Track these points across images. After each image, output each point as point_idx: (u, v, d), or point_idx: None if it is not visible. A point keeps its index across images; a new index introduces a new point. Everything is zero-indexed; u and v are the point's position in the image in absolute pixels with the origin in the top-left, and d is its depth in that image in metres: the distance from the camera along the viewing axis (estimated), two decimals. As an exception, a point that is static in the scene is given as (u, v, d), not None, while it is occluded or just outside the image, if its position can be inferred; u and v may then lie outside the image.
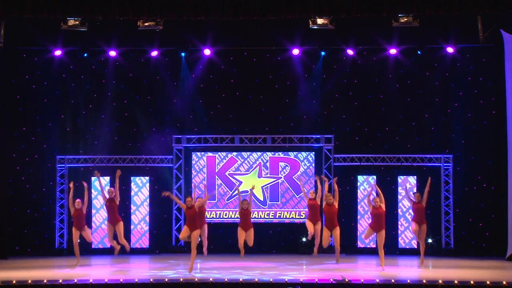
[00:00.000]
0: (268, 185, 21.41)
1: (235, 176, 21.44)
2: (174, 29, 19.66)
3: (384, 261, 15.90)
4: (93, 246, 20.81)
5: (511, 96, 19.27)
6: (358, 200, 21.13)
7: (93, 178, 21.15)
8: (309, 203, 16.81)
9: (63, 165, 21.18)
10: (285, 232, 21.40)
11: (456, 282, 13.19)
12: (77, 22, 18.28)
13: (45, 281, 13.33)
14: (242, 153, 21.50)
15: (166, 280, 13.40)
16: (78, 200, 17.53)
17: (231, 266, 16.84)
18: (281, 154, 21.49)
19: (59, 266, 17.11)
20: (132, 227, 21.11)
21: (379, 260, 16.14)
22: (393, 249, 20.93)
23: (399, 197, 21.01)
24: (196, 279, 13.59)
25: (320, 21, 18.15)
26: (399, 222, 20.99)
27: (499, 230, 20.27)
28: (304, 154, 21.43)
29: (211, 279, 13.51)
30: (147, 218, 21.21)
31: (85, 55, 20.97)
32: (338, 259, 16.68)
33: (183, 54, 21.11)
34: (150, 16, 17.89)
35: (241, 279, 13.58)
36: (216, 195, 21.37)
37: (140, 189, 21.30)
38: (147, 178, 21.35)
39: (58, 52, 20.98)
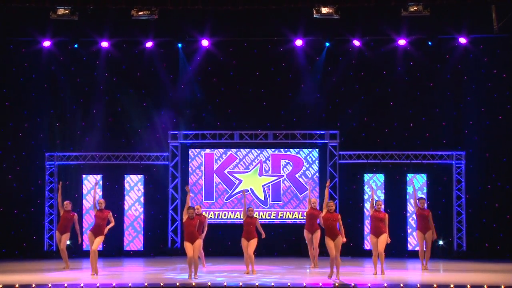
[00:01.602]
0: (270, 184, 21.39)
1: (235, 174, 21.43)
2: (170, 18, 19.66)
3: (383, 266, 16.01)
4: (84, 248, 20.79)
5: (527, 90, 19.29)
6: (365, 200, 21.09)
7: (83, 177, 21.18)
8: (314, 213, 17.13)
9: (52, 163, 21.16)
10: (287, 234, 21.40)
11: (468, 286, 13.18)
12: (67, 11, 18.28)
13: (33, 285, 13.33)
14: (242, 150, 21.48)
15: (162, 284, 13.40)
16: (67, 201, 17.53)
17: (230, 269, 16.83)
18: (283, 151, 21.47)
19: (48, 270, 17.09)
20: (125, 227, 21.10)
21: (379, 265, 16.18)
22: (401, 251, 20.91)
23: (408, 196, 21.01)
24: (194, 284, 13.59)
25: (324, 10, 18.14)
26: (408, 224, 20.96)
27: (514, 231, 20.31)
28: (307, 151, 21.41)
29: (209, 284, 13.51)
30: (141, 219, 21.16)
31: (76, 46, 20.93)
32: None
33: (179, 45, 21.08)
34: (145, 4, 17.90)
35: (240, 283, 13.58)
36: (214, 195, 21.40)
37: (132, 188, 21.22)
38: (141, 176, 21.32)
39: (47, 43, 20.94)
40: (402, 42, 20.92)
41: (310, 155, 21.40)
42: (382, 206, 16.41)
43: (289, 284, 13.44)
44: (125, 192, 21.23)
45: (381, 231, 16.06)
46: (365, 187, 20.83)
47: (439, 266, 18.07)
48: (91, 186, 21.02)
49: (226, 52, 21.54)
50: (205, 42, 21.15)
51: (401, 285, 13.37)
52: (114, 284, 13.37)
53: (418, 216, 17.25)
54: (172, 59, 21.50)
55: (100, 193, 21.05)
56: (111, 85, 21.57)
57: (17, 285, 13.25)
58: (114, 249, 20.90)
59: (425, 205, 17.39)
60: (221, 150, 21.51)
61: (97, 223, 15.95)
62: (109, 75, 21.58)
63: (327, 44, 21.02)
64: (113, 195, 21.24)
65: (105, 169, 21.30)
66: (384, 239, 16.05)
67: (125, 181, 21.26)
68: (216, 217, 21.30)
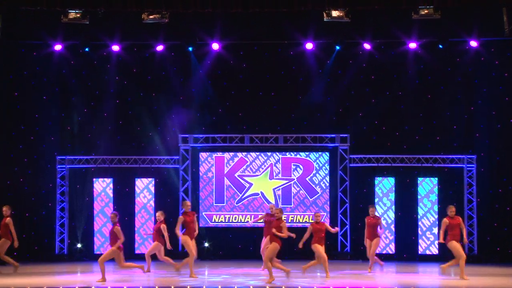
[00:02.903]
0: (280, 187, 21.36)
1: (245, 178, 21.40)
2: (180, 22, 19.68)
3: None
4: (95, 251, 20.81)
5: (538, 93, 19.18)
6: (375, 203, 21.03)
7: (94, 180, 21.22)
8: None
9: (64, 166, 21.20)
10: (298, 237, 21.26)
11: (480, 291, 13.12)
12: (78, 15, 18.31)
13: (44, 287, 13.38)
14: (252, 153, 21.46)
15: (172, 287, 13.39)
16: (4, 207, 17.15)
17: (241, 272, 16.79)
18: (293, 155, 21.43)
19: (59, 273, 17.12)
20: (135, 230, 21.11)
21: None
22: (412, 255, 20.86)
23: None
24: (204, 287, 13.57)
25: (335, 13, 18.11)
26: (418, 227, 20.92)
27: (526, 235, 20.21)
28: (317, 154, 21.36)
29: (219, 287, 13.48)
30: (152, 222, 21.17)
31: (87, 49, 20.97)
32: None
33: (190, 48, 21.05)
34: (155, 8, 17.91)
35: (251, 287, 13.55)
36: (224, 198, 21.38)
37: (142, 191, 21.26)
38: (152, 179, 21.32)
39: (58, 47, 20.99)
40: (412, 45, 20.85)
41: (320, 158, 21.36)
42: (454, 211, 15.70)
43: (299, 287, 13.41)
44: (135, 195, 21.25)
45: (462, 236, 15.61)
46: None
47: (450, 270, 17.97)
48: (101, 189, 21.12)
49: (236, 55, 21.54)
50: (215, 46, 21.14)
51: (412, 288, 13.34)
52: (125, 287, 13.36)
53: (367, 225, 17.07)
54: (183, 63, 21.51)
55: (111, 196, 21.16)
56: (122, 88, 21.59)
57: (28, 288, 13.29)
58: (124, 252, 20.74)
59: (375, 212, 17.29)
60: (231, 154, 21.49)
61: (189, 226, 15.79)
62: (120, 78, 21.60)
63: (338, 47, 20.96)
64: (124, 198, 21.29)
65: (116, 172, 21.33)
66: (464, 243, 15.72)
67: (136, 184, 21.29)
68: (226, 221, 21.27)
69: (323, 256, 15.56)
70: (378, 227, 17.03)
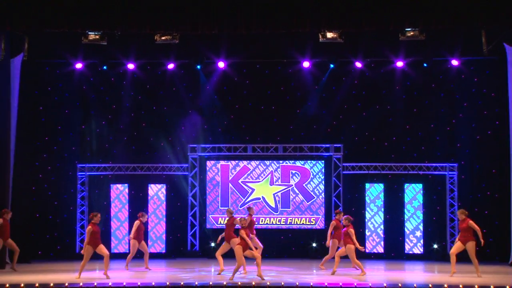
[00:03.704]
0: (279, 193, 21.49)
1: (248, 184, 21.54)
2: (189, 42, 19.84)
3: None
4: (112, 251, 20.91)
5: (513, 107, 19.26)
6: (366, 206, 21.17)
7: (111, 186, 21.34)
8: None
9: (83, 173, 21.36)
10: (296, 238, 21.46)
11: (461, 286, 13.21)
12: (97, 36, 18.48)
13: (66, 284, 13.49)
14: (254, 161, 21.59)
15: (182, 283, 13.48)
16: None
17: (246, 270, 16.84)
18: (291, 163, 21.56)
19: (79, 270, 17.19)
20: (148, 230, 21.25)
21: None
22: (400, 254, 20.95)
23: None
24: (210, 283, 13.65)
25: (329, 34, 18.25)
26: (405, 228, 21.01)
27: (503, 236, 20.20)
28: (313, 162, 21.49)
29: (224, 283, 13.58)
30: (163, 224, 21.30)
31: (105, 67, 21.14)
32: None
33: (198, 66, 21.19)
34: (167, 30, 18.05)
35: (253, 283, 13.65)
36: (229, 202, 21.48)
37: (154, 196, 21.39)
38: (163, 185, 21.46)
39: (79, 65, 21.19)
40: (400, 63, 21.01)
41: (316, 166, 21.49)
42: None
43: (297, 283, 13.50)
44: (148, 200, 21.38)
45: (468, 239, 15.60)
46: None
47: (434, 268, 18.08)
48: (118, 194, 21.26)
49: (240, 72, 21.71)
50: (221, 64, 21.31)
51: (400, 285, 13.42)
52: (139, 283, 13.47)
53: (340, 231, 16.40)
54: (192, 79, 21.68)
55: (125, 201, 21.27)
56: (136, 103, 21.76)
57: (52, 284, 13.39)
58: (137, 251, 20.96)
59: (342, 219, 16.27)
60: (235, 162, 21.64)
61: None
62: (135, 94, 21.77)
63: (332, 65, 21.08)
64: (138, 202, 21.40)
65: (131, 178, 21.48)
66: (472, 245, 15.57)
67: (149, 189, 21.42)
68: (231, 223, 21.33)
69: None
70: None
